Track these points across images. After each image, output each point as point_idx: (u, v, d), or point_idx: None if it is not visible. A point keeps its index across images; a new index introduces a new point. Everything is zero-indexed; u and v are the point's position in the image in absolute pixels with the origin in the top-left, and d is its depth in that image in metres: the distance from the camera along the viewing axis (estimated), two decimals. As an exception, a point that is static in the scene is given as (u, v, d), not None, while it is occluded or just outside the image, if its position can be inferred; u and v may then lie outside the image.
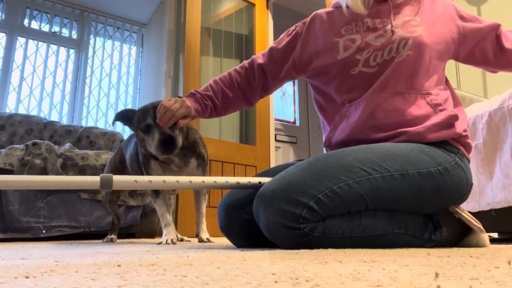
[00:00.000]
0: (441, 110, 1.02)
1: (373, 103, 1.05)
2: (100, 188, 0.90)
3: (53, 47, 3.62)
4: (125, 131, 3.76)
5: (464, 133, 1.02)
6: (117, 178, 0.91)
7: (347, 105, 1.12)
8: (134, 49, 4.04)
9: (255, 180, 1.01)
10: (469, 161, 1.07)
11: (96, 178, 0.89)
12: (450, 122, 1.00)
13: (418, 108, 1.02)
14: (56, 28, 3.67)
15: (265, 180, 1.00)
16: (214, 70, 3.43)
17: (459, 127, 1.01)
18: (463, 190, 1.01)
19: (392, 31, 1.08)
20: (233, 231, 1.08)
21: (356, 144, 1.05)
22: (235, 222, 1.06)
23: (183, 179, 0.98)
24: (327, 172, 0.90)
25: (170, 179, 0.96)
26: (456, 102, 1.12)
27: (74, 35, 3.75)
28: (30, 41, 3.52)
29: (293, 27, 1.27)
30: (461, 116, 1.05)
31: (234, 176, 3.15)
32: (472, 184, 1.05)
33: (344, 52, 1.12)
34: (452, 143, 1.01)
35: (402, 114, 1.02)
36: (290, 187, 0.88)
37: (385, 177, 0.91)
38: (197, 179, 0.99)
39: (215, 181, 0.99)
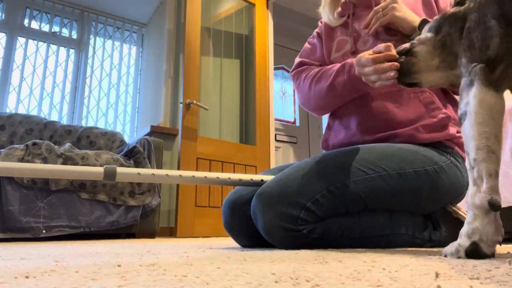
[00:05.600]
0: (433, 110, 1.01)
1: (363, 105, 1.06)
2: (104, 179, 0.91)
3: (53, 47, 3.62)
4: (125, 131, 3.75)
5: (457, 134, 1.01)
6: (120, 170, 0.92)
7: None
8: (134, 49, 4.03)
9: (257, 177, 1.01)
10: (464, 161, 1.06)
11: (100, 169, 0.91)
12: (443, 123, 1.00)
13: (410, 109, 1.02)
14: (56, 28, 3.67)
15: (267, 178, 1.00)
16: (214, 70, 3.42)
17: (452, 128, 1.01)
18: (459, 188, 1.01)
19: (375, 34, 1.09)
20: (236, 227, 1.08)
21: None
22: (238, 217, 1.06)
23: (186, 173, 0.98)
24: (324, 172, 0.90)
25: (173, 173, 0.97)
26: (452, 101, 1.11)
27: (74, 35, 3.75)
28: (30, 41, 3.51)
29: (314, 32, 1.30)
30: (454, 116, 1.04)
31: (234, 176, 3.13)
32: (468, 182, 1.05)
33: (336, 53, 1.15)
34: (445, 143, 1.01)
35: (394, 116, 1.02)
36: (287, 189, 0.88)
37: (382, 177, 0.91)
38: (200, 174, 0.99)
39: (217, 177, 1.00)
